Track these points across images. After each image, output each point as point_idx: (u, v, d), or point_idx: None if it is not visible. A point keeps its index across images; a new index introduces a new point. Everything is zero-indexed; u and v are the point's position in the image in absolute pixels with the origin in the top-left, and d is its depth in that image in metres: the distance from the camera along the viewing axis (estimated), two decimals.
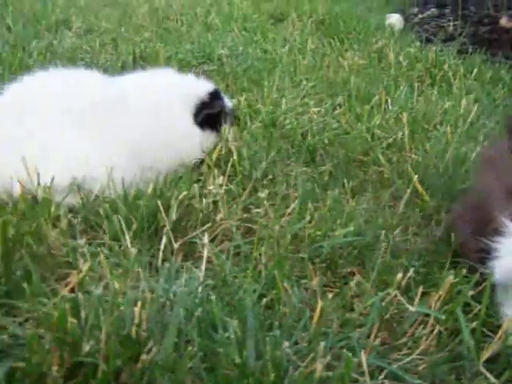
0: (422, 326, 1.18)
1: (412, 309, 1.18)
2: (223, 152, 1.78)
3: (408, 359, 1.11)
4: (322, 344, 0.99)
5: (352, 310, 1.23)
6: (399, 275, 1.23)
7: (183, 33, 3.36)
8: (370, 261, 1.37)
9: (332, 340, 1.08)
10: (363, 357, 1.01)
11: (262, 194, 1.50)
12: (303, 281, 1.29)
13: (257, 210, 1.51)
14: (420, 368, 1.10)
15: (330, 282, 1.35)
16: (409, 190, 1.62)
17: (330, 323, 1.15)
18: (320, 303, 1.11)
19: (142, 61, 2.75)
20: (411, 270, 1.27)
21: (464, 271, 1.27)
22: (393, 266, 1.34)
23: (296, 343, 1.08)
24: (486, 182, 1.40)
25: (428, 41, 3.54)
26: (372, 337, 1.12)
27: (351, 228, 1.42)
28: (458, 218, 1.46)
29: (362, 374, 1.01)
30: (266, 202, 1.49)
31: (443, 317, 1.16)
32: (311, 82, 2.54)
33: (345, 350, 1.01)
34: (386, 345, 1.15)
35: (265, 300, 1.17)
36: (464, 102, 2.34)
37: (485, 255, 1.22)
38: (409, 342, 1.16)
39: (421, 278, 1.32)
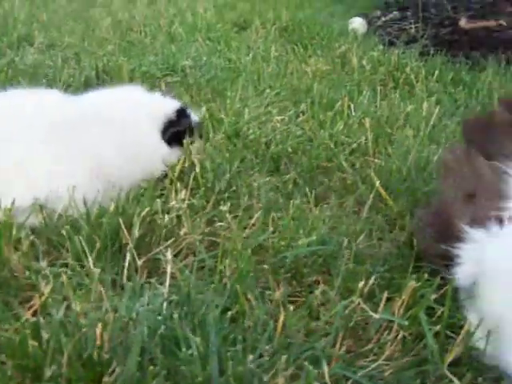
0: (386, 332, 1.19)
1: (376, 316, 1.19)
2: (186, 165, 1.77)
3: (374, 365, 1.11)
4: (284, 357, 0.99)
5: (318, 318, 1.23)
6: (361, 283, 1.24)
7: (147, 44, 3.34)
8: (335, 268, 1.37)
9: (296, 351, 1.09)
10: (325, 367, 1.01)
11: (224, 207, 1.50)
12: (268, 292, 1.29)
13: (220, 224, 1.50)
14: (386, 374, 1.11)
15: (295, 291, 1.34)
16: (371, 195, 1.63)
17: (295, 333, 1.15)
18: (283, 314, 1.12)
19: (105, 75, 2.72)
20: (373, 277, 1.28)
21: (426, 275, 1.28)
22: (357, 273, 1.35)
23: (261, 356, 1.07)
24: (445, 187, 1.42)
25: (391, 44, 3.58)
26: (337, 345, 1.13)
27: (314, 237, 1.42)
28: (419, 223, 1.47)
29: None
30: (228, 214, 1.49)
31: (406, 322, 1.17)
32: (275, 90, 2.54)
33: (306, 362, 1.02)
34: (351, 352, 1.16)
35: (229, 313, 1.16)
36: (426, 104, 2.37)
37: (447, 261, 1.24)
38: (374, 349, 1.16)
39: (385, 283, 1.33)
